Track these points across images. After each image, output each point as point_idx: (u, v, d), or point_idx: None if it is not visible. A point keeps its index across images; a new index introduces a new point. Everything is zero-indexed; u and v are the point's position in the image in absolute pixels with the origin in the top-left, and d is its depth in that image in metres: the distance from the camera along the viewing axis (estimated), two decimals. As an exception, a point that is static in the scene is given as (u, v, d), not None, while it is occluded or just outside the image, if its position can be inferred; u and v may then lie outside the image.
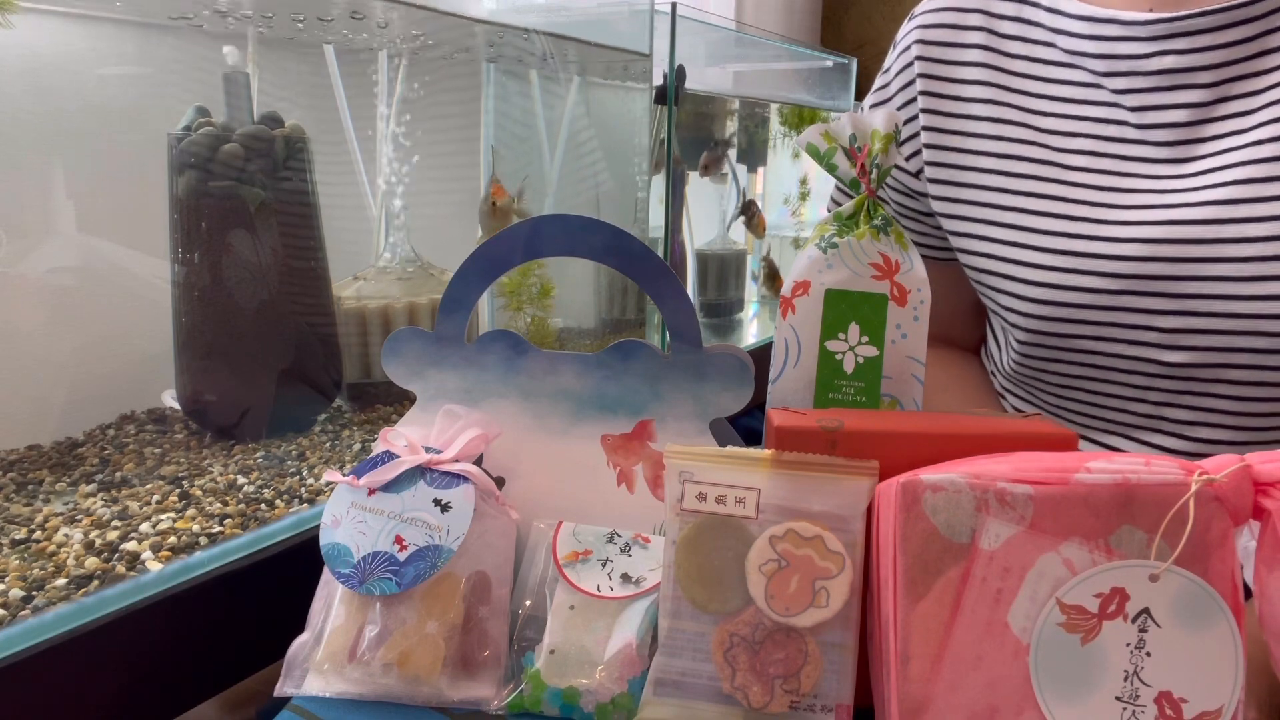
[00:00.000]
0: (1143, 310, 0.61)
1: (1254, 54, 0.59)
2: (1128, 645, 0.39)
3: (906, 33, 0.74)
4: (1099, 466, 0.40)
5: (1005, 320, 0.70)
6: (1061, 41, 0.66)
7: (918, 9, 0.74)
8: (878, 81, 0.78)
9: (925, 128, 0.72)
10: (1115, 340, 0.63)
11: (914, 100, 0.73)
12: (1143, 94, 0.62)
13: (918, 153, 0.73)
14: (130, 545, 0.60)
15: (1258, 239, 0.57)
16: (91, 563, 0.58)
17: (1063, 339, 0.65)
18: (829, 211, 0.81)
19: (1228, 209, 0.58)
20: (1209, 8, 0.59)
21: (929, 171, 0.73)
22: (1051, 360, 0.68)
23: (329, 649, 0.49)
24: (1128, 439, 0.68)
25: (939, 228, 0.75)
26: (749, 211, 1.62)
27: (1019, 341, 0.69)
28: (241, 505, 0.68)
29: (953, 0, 0.71)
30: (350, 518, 0.53)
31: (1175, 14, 0.60)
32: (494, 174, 1.07)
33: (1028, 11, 0.68)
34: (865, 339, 0.56)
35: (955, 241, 0.72)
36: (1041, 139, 0.66)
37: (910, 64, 0.73)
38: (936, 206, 0.73)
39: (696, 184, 1.55)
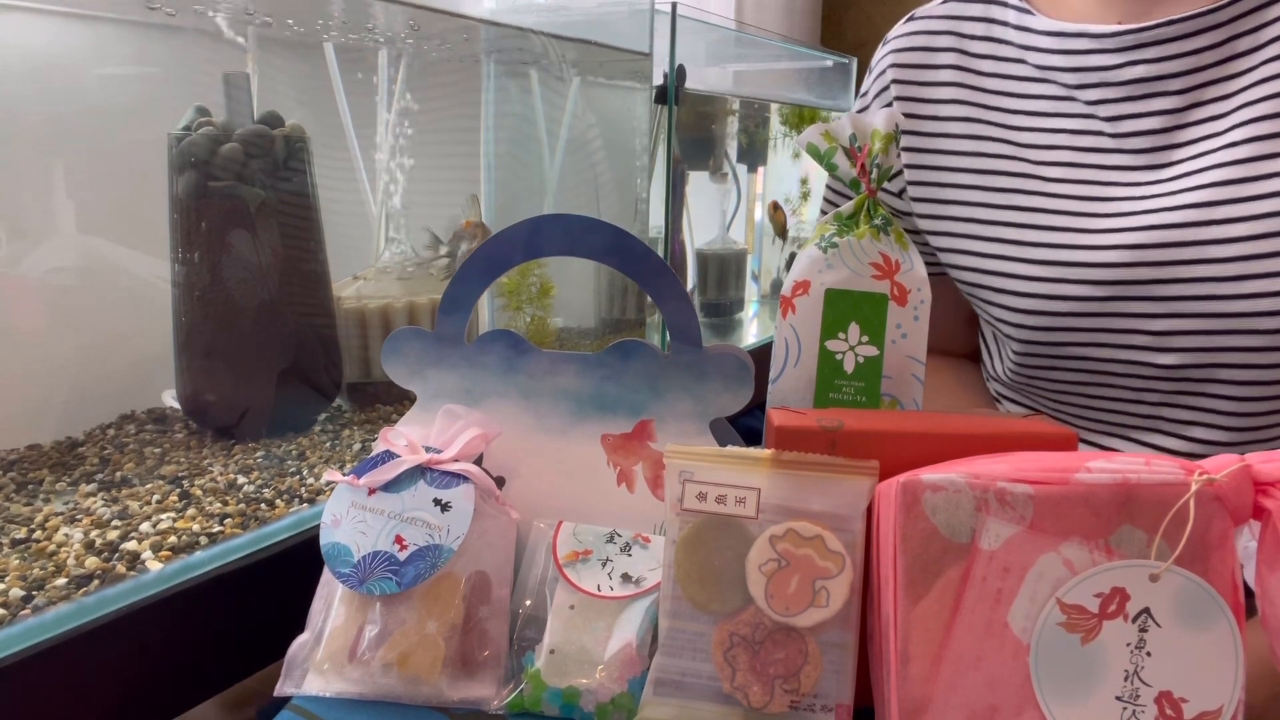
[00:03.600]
0: (1132, 314, 0.62)
1: (1223, 59, 0.60)
2: (1128, 645, 0.39)
3: (881, 57, 0.75)
4: (1099, 466, 0.40)
5: (999, 330, 0.70)
6: (1032, 57, 0.67)
7: (891, 33, 0.76)
8: (855, 105, 0.80)
9: (905, 148, 0.73)
10: (1107, 345, 0.64)
11: None
12: (1116, 104, 0.63)
13: (900, 173, 0.74)
14: (130, 545, 0.60)
15: (1238, 239, 0.57)
16: (91, 562, 0.58)
17: (1056, 346, 0.66)
18: (822, 211, 0.82)
19: (1207, 211, 0.58)
20: (1174, 16, 0.60)
21: (912, 191, 0.74)
22: (1047, 367, 0.68)
23: (329, 649, 0.49)
24: (1126, 440, 0.68)
25: (926, 244, 0.76)
26: (773, 211, 1.62)
27: (1014, 350, 0.70)
28: (241, 505, 0.68)
29: (924, 24, 0.73)
30: (350, 517, 0.53)
31: (1142, 24, 0.61)
32: (473, 224, 1.03)
33: (997, 30, 0.69)
34: (865, 339, 0.56)
35: (943, 257, 0.73)
36: (1020, 153, 0.67)
37: (886, 87, 0.74)
38: (922, 224, 0.74)
39: (696, 184, 1.55)
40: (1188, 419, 0.64)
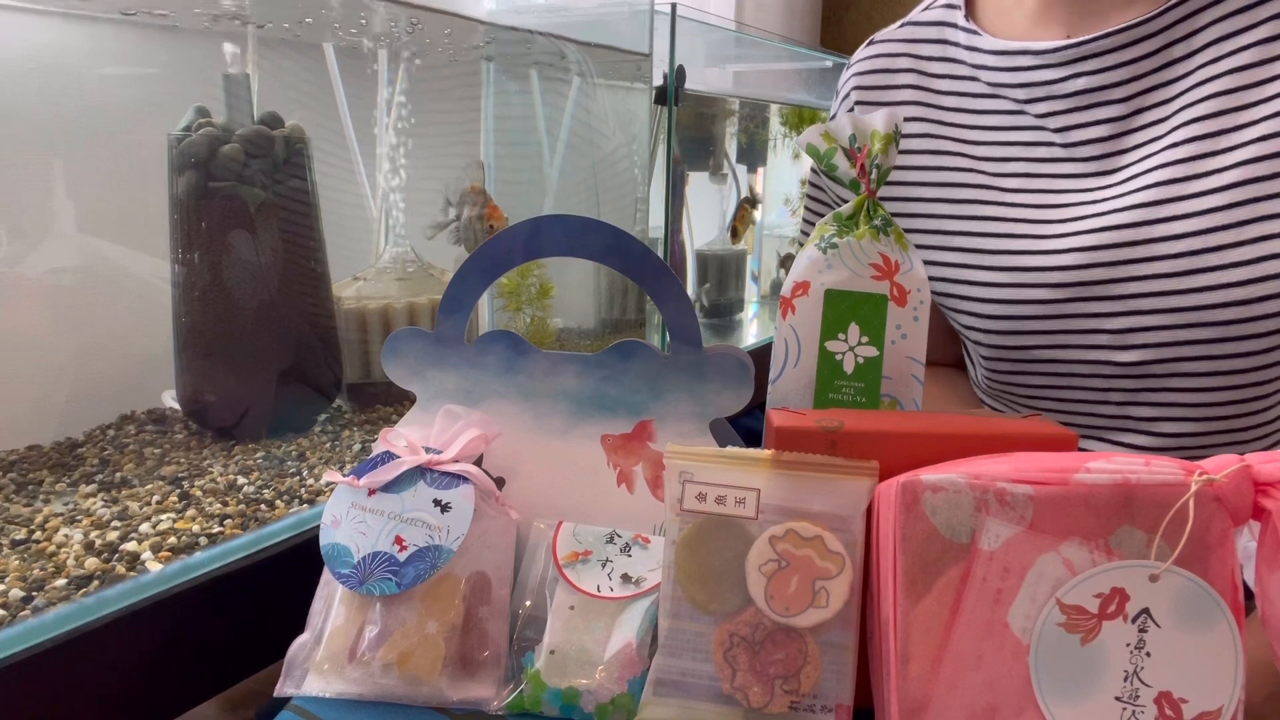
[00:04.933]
0: (1091, 314, 0.64)
1: (1160, 66, 0.63)
2: (1128, 645, 0.39)
3: (845, 80, 0.79)
4: (1099, 467, 0.40)
5: (967, 338, 0.73)
6: (984, 75, 0.70)
7: (853, 58, 0.79)
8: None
9: None
10: (1071, 345, 0.66)
11: None
12: (1063, 115, 0.66)
13: None
14: (130, 545, 0.60)
15: (1185, 234, 0.60)
16: (91, 563, 0.58)
17: (1022, 350, 0.68)
18: (806, 209, 0.84)
19: (1153, 210, 0.61)
20: (1109, 29, 0.63)
21: None
22: (1016, 372, 0.71)
23: (329, 649, 0.49)
24: (1099, 440, 0.70)
25: None
26: (741, 210, 1.60)
27: (984, 357, 0.72)
28: (241, 505, 0.68)
29: (883, 48, 0.76)
30: (350, 518, 0.53)
31: (1081, 39, 0.64)
32: (478, 189, 1.03)
33: (950, 51, 0.72)
34: (865, 339, 0.56)
35: None
36: (977, 165, 0.70)
37: (851, 109, 0.77)
38: None
39: (696, 184, 1.55)
40: (1154, 415, 0.66)
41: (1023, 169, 0.68)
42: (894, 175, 0.74)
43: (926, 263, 0.72)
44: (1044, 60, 0.65)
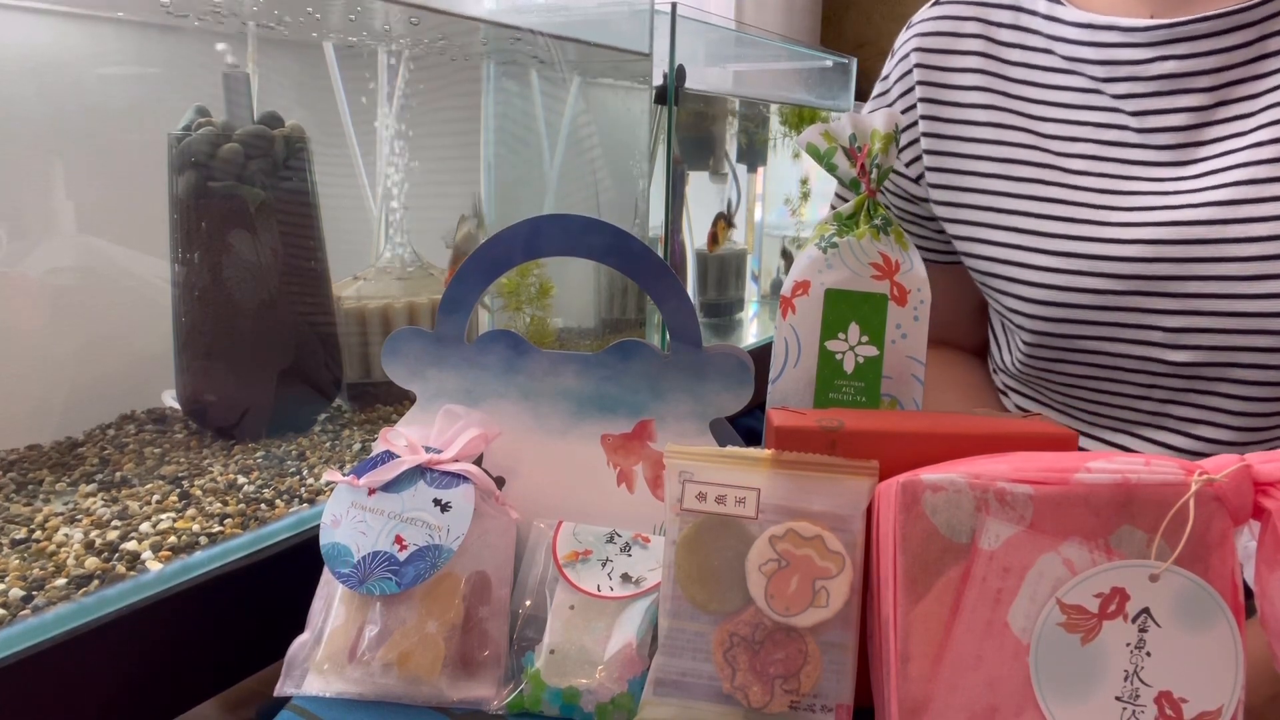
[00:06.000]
0: (1147, 310, 0.62)
1: (1253, 58, 0.60)
2: (1128, 645, 0.39)
3: (904, 41, 0.75)
4: (1099, 466, 0.40)
5: (1011, 321, 0.70)
6: (1060, 48, 0.67)
7: (915, 17, 0.75)
8: (877, 89, 0.79)
9: (925, 134, 0.73)
10: (1120, 340, 0.64)
11: (914, 107, 0.73)
12: (1143, 99, 0.63)
13: (918, 158, 0.74)
14: (130, 545, 0.60)
15: (1260, 238, 0.58)
16: (91, 563, 0.58)
17: (1068, 339, 0.66)
18: (832, 207, 0.82)
19: (1229, 209, 0.59)
20: (1208, 13, 0.60)
21: (930, 177, 0.73)
22: (1057, 360, 0.68)
23: (329, 649, 0.49)
24: (1132, 435, 0.68)
25: (940, 232, 0.76)
26: (715, 221, 1.55)
27: (1025, 342, 0.70)
28: (241, 505, 0.68)
29: (950, 9, 0.72)
30: (350, 518, 0.53)
31: (1175, 20, 0.61)
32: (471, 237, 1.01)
33: (1025, 19, 0.69)
34: (865, 339, 0.56)
35: (959, 245, 0.73)
36: (1042, 143, 0.67)
37: (909, 71, 0.73)
38: (939, 211, 0.73)
39: (696, 184, 1.54)
40: (1195, 417, 0.65)
41: (1092, 151, 0.65)
42: (952, 146, 0.71)
43: (977, 240, 0.70)
44: (1131, 39, 0.62)
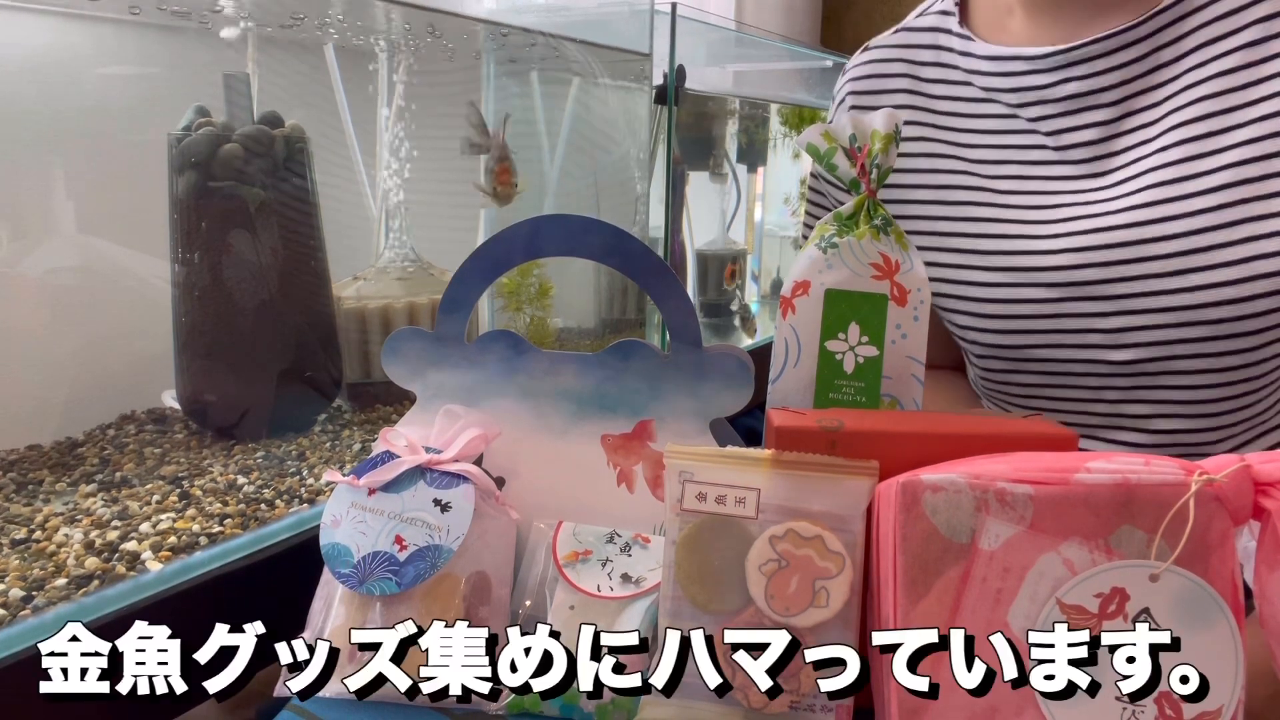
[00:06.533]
0: (1085, 314, 0.65)
1: (1149, 70, 0.64)
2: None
3: (840, 85, 0.80)
4: (1099, 466, 0.40)
5: (963, 339, 0.74)
6: (977, 80, 0.71)
7: (848, 64, 0.80)
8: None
9: None
10: (1064, 345, 0.67)
11: None
12: (1054, 119, 0.67)
13: None
14: (130, 545, 0.60)
15: (1177, 235, 0.61)
16: (91, 563, 0.58)
17: (1017, 349, 0.69)
18: (804, 210, 0.84)
19: (1146, 211, 0.62)
20: (1099, 35, 0.64)
21: None
22: (1011, 370, 0.71)
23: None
24: (1094, 439, 0.71)
25: None
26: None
27: (977, 357, 0.73)
28: (241, 505, 0.68)
29: (877, 54, 0.77)
30: (350, 518, 0.53)
31: (1070, 44, 0.65)
32: (503, 151, 0.99)
33: (944, 56, 0.74)
34: (865, 339, 0.56)
35: None
36: (972, 168, 0.71)
37: (847, 113, 0.77)
38: None
39: (696, 184, 1.54)
40: (1149, 412, 0.67)
41: (1016, 171, 0.69)
42: (890, 178, 0.74)
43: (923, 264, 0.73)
44: (1035, 65, 0.67)
